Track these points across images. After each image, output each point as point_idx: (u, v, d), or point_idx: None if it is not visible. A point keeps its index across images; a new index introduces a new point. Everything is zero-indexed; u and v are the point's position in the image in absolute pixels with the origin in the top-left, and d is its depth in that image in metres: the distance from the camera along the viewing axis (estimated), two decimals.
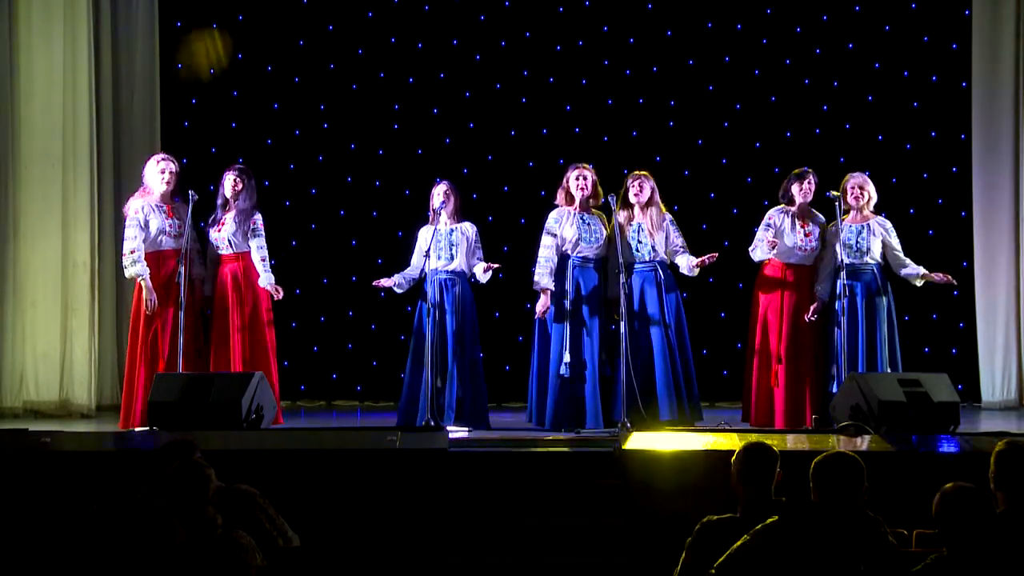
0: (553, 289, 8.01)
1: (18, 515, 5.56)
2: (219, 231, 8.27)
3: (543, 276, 8.03)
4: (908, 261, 8.24)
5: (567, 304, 8.01)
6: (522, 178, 10.14)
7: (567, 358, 7.91)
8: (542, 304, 8.01)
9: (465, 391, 8.03)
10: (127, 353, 8.27)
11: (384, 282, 8.20)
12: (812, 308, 8.18)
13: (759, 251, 8.21)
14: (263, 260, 8.23)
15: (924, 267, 8.23)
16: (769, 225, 8.25)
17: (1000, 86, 9.68)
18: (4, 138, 9.23)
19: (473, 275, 8.25)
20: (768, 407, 8.16)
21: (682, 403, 7.98)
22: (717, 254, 8.04)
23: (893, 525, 4.50)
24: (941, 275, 8.13)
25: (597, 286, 8.08)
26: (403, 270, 8.27)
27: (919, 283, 8.25)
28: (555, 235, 8.08)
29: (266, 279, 8.20)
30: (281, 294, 8.22)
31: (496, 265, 8.11)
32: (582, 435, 7.68)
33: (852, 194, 8.20)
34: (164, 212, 8.17)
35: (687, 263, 8.10)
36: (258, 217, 8.29)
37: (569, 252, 8.08)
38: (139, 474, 5.46)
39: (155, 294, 8.06)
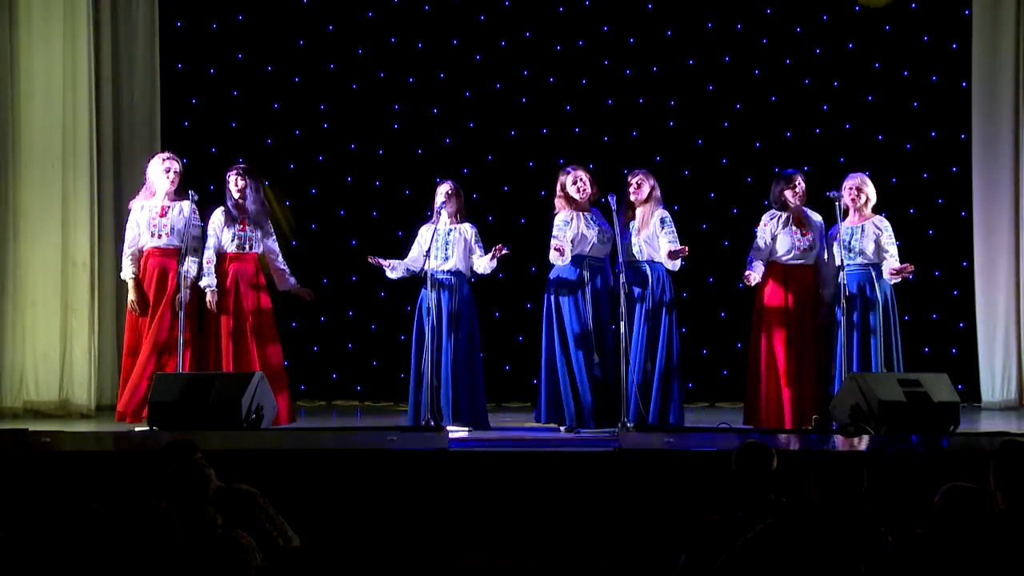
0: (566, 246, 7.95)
1: (18, 515, 5.56)
2: (229, 231, 8.27)
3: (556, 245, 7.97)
4: (891, 261, 8.13)
5: (584, 304, 7.99)
6: (522, 178, 10.14)
7: (596, 358, 7.90)
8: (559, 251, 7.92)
9: (464, 391, 8.03)
10: (124, 350, 8.31)
11: (380, 260, 8.18)
12: (821, 311, 8.19)
13: (754, 276, 8.15)
14: (284, 263, 8.46)
15: (922, 267, 8.19)
16: (764, 232, 8.22)
17: (1000, 86, 9.68)
18: (4, 138, 9.22)
19: (473, 275, 8.25)
20: (777, 407, 8.14)
21: (665, 404, 7.99)
22: (687, 248, 7.95)
23: (893, 525, 4.50)
24: (902, 268, 8.02)
25: (606, 286, 8.08)
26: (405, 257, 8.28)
27: (894, 278, 8.13)
28: (559, 238, 8.04)
29: (294, 282, 8.49)
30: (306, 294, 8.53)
31: (504, 251, 7.97)
32: (582, 435, 7.67)
33: (849, 195, 8.20)
34: (156, 211, 8.20)
35: (669, 263, 8.05)
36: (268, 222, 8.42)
37: (585, 253, 8.06)
38: (139, 474, 5.46)
39: (137, 294, 8.12)
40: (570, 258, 7.95)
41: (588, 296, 8.01)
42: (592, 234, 8.05)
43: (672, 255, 7.96)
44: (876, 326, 8.08)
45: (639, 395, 7.91)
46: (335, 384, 10.25)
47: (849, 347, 7.97)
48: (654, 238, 8.08)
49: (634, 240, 8.07)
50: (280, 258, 8.43)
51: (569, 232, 8.02)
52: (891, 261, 8.08)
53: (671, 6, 10.25)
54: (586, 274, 8.03)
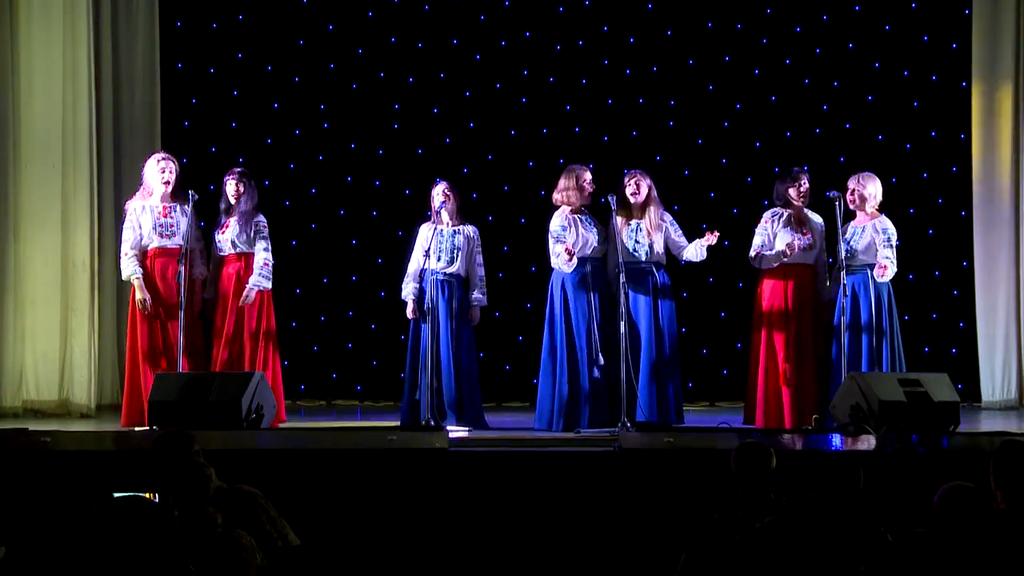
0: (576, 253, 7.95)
1: (19, 515, 5.56)
2: (223, 233, 8.29)
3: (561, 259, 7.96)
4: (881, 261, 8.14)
5: (577, 305, 7.99)
6: (522, 178, 10.13)
7: (601, 360, 7.88)
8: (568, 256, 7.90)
9: (462, 391, 8.03)
10: (127, 352, 8.32)
11: (410, 313, 8.16)
12: (826, 311, 8.19)
13: (766, 260, 8.17)
14: (264, 264, 8.25)
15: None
16: (765, 229, 8.23)
17: (1000, 86, 9.68)
18: (4, 138, 9.21)
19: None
20: (776, 407, 8.13)
21: (665, 406, 7.99)
22: (718, 232, 7.99)
23: (893, 525, 4.51)
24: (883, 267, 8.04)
25: (599, 287, 8.08)
26: (407, 272, 8.25)
27: (879, 275, 8.11)
28: (563, 241, 8.02)
29: (254, 281, 8.19)
30: (249, 300, 8.17)
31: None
32: (582, 435, 7.67)
33: (847, 194, 8.21)
34: (159, 212, 8.21)
35: (696, 250, 8.06)
36: (262, 219, 8.35)
37: (587, 255, 8.05)
38: (139, 474, 5.46)
39: (148, 293, 8.11)
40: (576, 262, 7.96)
41: (592, 297, 8.00)
42: (591, 236, 8.06)
43: (708, 243, 7.97)
44: (876, 326, 8.08)
45: (646, 394, 7.93)
46: (335, 384, 10.24)
47: (852, 347, 7.98)
48: (663, 241, 8.10)
49: (642, 241, 8.07)
50: (263, 259, 8.24)
51: (571, 235, 8.02)
52: (881, 260, 8.05)
53: (671, 6, 10.25)
54: (589, 276, 8.03)
